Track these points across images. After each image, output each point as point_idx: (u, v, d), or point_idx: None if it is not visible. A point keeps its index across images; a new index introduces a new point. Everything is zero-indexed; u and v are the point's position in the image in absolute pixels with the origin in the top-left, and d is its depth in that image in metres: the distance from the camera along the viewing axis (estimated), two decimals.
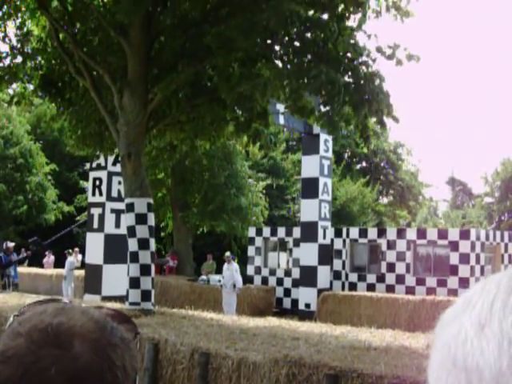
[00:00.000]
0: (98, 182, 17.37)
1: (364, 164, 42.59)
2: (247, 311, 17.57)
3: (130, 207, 10.27)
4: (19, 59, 11.61)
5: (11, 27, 11.67)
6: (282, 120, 18.21)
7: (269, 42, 9.57)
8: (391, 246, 18.86)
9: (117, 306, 10.76)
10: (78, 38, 10.84)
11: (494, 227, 42.55)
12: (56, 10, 10.90)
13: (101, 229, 17.04)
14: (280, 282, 20.79)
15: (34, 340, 0.69)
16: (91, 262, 17.18)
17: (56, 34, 10.68)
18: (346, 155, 40.16)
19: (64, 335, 0.69)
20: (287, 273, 20.74)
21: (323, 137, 19.47)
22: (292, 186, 33.75)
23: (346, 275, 19.72)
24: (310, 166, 19.73)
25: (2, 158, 28.67)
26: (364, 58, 9.42)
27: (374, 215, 36.49)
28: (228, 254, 17.26)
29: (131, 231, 10.29)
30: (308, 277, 19.12)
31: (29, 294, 14.15)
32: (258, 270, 21.46)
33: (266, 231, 22.04)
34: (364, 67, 9.40)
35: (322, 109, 9.69)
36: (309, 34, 9.39)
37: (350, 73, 9.33)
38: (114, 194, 17.09)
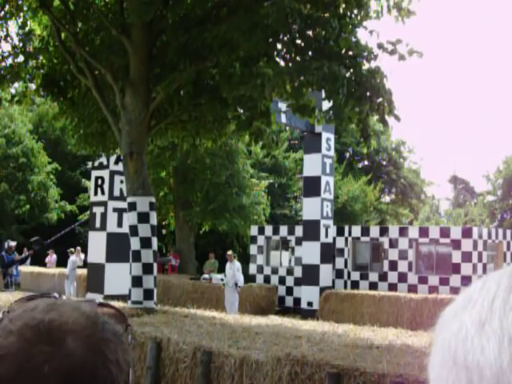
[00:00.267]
0: (100, 181, 17.38)
1: (366, 162, 42.56)
2: (249, 310, 17.56)
3: (132, 206, 10.28)
4: (21, 58, 11.62)
5: (13, 26, 11.68)
6: (283, 119, 18.19)
7: (270, 40, 9.56)
8: (393, 244, 18.84)
9: (119, 304, 10.78)
10: (79, 37, 10.85)
11: (496, 225, 42.51)
12: (58, 9, 10.91)
13: (103, 228, 17.06)
14: (282, 280, 20.79)
15: (25, 338, 0.68)
16: (93, 261, 17.20)
17: (58, 34, 10.69)
18: (347, 154, 40.13)
19: (56, 332, 0.69)
20: (289, 271, 20.73)
21: (325, 135, 19.46)
22: (294, 184, 33.74)
23: (349, 274, 19.71)
24: (311, 164, 19.70)
25: (4, 157, 28.71)
26: (366, 54, 9.41)
27: (376, 213, 36.46)
28: (230, 252, 17.26)
29: (133, 230, 10.31)
30: (310, 275, 19.11)
31: (31, 293, 14.16)
32: (260, 269, 21.45)
33: (268, 230, 22.03)
34: (366, 64, 9.38)
35: (325, 104, 9.65)
36: (310, 32, 9.38)
37: (351, 70, 9.32)
38: (116, 192, 17.10)
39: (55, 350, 0.67)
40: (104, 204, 17.13)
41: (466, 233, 17.72)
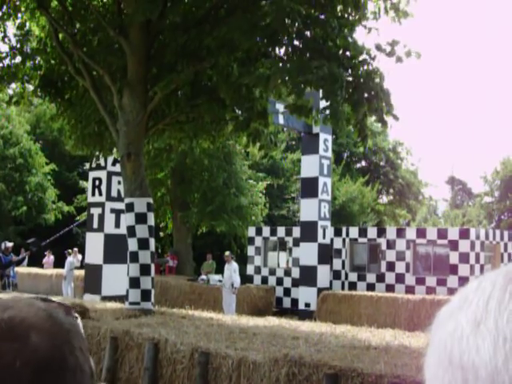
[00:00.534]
0: (97, 182, 17.36)
1: (363, 163, 42.59)
2: (247, 311, 17.56)
3: (130, 207, 10.28)
4: (19, 59, 11.61)
5: (11, 27, 11.68)
6: (281, 120, 18.19)
7: (268, 40, 9.56)
8: (391, 245, 18.85)
9: (117, 305, 10.77)
10: (77, 37, 10.85)
11: (493, 226, 42.56)
12: (56, 10, 10.90)
13: (100, 229, 17.04)
14: (280, 281, 20.79)
15: None
16: (91, 262, 17.18)
17: (56, 34, 10.68)
18: (345, 155, 40.15)
19: (18, 328, 0.70)
20: (287, 272, 20.74)
21: (323, 136, 19.47)
22: (291, 185, 33.75)
23: (346, 275, 19.72)
24: (309, 165, 19.72)
25: (2, 158, 28.66)
26: (364, 57, 9.42)
27: (374, 215, 36.49)
28: (228, 253, 17.24)
29: (131, 231, 10.30)
30: (308, 276, 19.12)
31: (29, 294, 14.14)
32: (257, 270, 21.46)
33: (266, 231, 22.03)
34: (364, 65, 9.39)
35: (323, 105, 9.65)
36: (308, 32, 9.39)
37: (349, 71, 9.33)
38: (114, 193, 17.09)
39: (21, 345, 0.68)
40: (101, 205, 17.12)
41: (464, 234, 17.74)
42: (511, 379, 0.49)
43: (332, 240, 19.93)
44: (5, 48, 24.89)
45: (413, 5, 9.64)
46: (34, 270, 23.52)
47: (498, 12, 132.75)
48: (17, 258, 18.60)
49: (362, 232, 19.94)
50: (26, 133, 30.45)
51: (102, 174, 17.32)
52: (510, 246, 19.71)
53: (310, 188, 19.52)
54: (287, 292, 20.47)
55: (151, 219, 10.41)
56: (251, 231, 22.35)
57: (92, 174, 17.69)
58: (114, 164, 16.61)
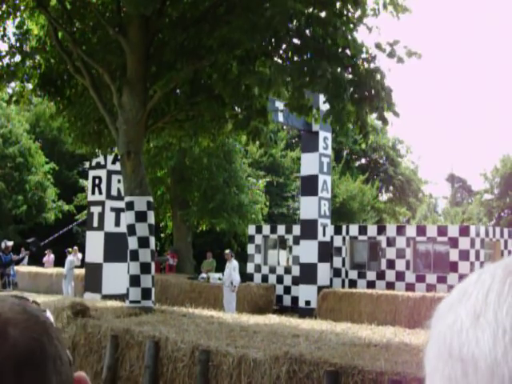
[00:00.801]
0: (97, 181, 17.37)
1: (363, 161, 42.58)
2: (247, 309, 17.56)
3: (130, 205, 10.28)
4: (18, 58, 11.60)
5: (10, 26, 11.67)
6: (281, 117, 18.20)
7: (270, 40, 9.55)
8: (391, 243, 18.86)
9: (117, 304, 10.78)
10: (76, 36, 10.84)
11: (493, 224, 42.57)
12: (55, 8, 10.89)
13: (101, 227, 17.04)
14: (280, 279, 20.80)
15: None
16: (91, 261, 17.19)
17: (55, 33, 10.67)
18: (345, 152, 40.14)
19: None
20: (287, 270, 20.75)
21: (322, 134, 19.47)
22: (291, 183, 33.74)
23: (346, 272, 19.73)
24: (309, 163, 19.72)
25: (1, 157, 28.67)
26: (364, 55, 9.41)
27: (374, 212, 36.49)
28: (228, 251, 17.25)
29: (131, 229, 10.30)
30: (308, 274, 19.13)
31: (29, 293, 14.16)
32: (257, 268, 21.46)
33: (266, 229, 22.04)
34: (365, 63, 9.38)
35: (323, 107, 9.65)
36: (308, 31, 9.38)
37: (350, 69, 9.32)
38: (114, 192, 17.09)
39: (0, 341, 0.68)
40: (101, 203, 17.12)
41: (464, 231, 17.75)
42: (511, 371, 0.49)
43: (332, 238, 19.94)
44: (4, 47, 24.91)
45: (411, 1, 9.62)
46: (35, 268, 23.52)
47: (498, 10, 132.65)
48: (17, 257, 18.61)
49: (362, 230, 19.94)
50: (26, 132, 30.45)
51: (102, 173, 17.32)
52: (510, 244, 19.72)
53: (309, 186, 19.53)
54: (287, 290, 20.48)
55: (151, 218, 10.41)
56: (251, 229, 22.36)
57: (92, 173, 17.69)
58: (113, 162, 16.60)
